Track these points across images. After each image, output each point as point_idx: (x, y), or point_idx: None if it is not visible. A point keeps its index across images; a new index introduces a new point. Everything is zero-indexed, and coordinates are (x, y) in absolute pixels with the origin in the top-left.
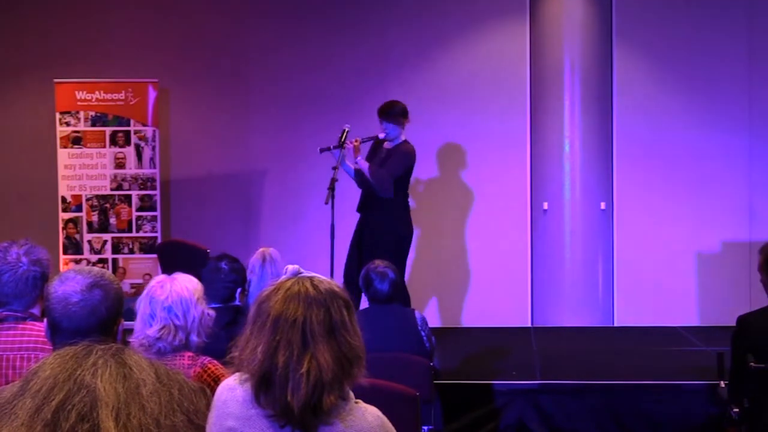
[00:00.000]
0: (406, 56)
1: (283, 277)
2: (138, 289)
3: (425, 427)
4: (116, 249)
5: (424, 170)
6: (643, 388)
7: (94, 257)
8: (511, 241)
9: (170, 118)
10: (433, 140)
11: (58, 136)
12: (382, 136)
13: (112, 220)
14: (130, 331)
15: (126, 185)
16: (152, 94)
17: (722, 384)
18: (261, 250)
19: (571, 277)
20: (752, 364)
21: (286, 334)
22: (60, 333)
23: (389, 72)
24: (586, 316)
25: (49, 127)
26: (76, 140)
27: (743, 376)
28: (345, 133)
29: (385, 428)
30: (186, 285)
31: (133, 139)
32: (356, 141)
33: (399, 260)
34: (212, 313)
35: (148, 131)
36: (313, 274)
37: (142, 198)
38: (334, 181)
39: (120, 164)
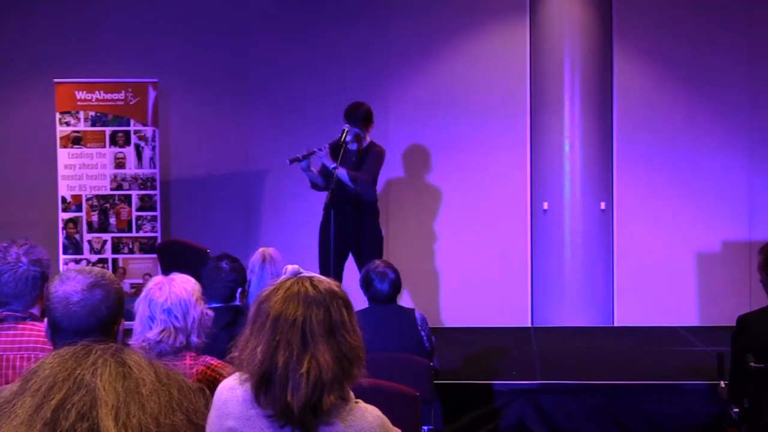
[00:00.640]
0: (406, 56)
1: (283, 277)
2: (138, 288)
3: (425, 427)
4: (116, 249)
5: (424, 170)
6: (643, 388)
7: (94, 257)
8: (511, 241)
9: (170, 118)
10: (433, 140)
11: (58, 136)
12: (348, 138)
13: (112, 220)
14: (130, 331)
15: (126, 185)
16: (152, 94)
17: (722, 384)
18: (261, 250)
19: (571, 277)
20: (752, 364)
21: (285, 334)
22: (60, 333)
23: (389, 72)
24: (586, 316)
25: (49, 127)
26: (76, 140)
27: (743, 376)
28: (345, 133)
29: (385, 428)
30: (184, 286)
31: (133, 139)
32: (331, 144)
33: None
34: (211, 313)
35: (148, 131)
36: (313, 274)
37: (142, 198)
38: (331, 193)
39: (120, 164)
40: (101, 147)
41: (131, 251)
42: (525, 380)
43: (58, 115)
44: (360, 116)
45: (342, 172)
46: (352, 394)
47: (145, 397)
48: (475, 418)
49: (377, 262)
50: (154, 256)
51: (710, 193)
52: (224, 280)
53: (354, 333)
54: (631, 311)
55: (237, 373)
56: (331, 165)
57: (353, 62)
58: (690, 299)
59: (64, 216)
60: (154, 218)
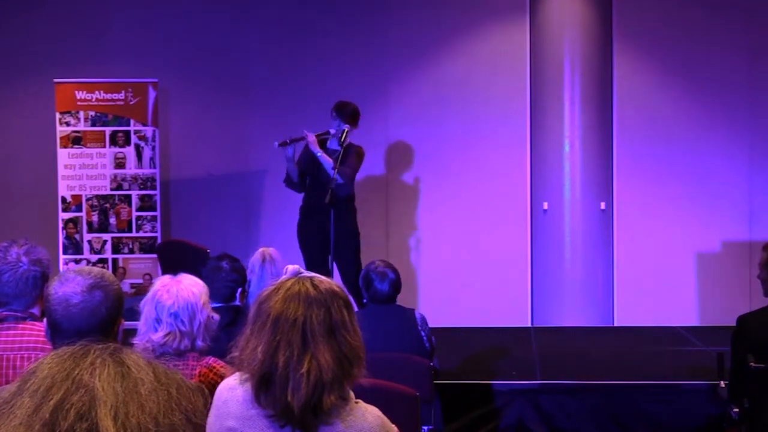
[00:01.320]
0: (406, 56)
1: (283, 277)
2: (138, 288)
3: (425, 427)
4: (116, 249)
5: (424, 170)
6: (643, 388)
7: (94, 257)
8: (511, 241)
9: (170, 118)
10: (433, 140)
11: (58, 136)
12: (333, 131)
13: (112, 220)
14: (130, 331)
15: (126, 185)
16: (152, 94)
17: (722, 384)
18: (261, 250)
19: (571, 277)
20: (752, 364)
21: (286, 334)
22: (60, 334)
23: (389, 72)
24: (586, 316)
25: (49, 127)
26: (76, 140)
27: (743, 376)
28: (345, 133)
29: (386, 428)
30: (192, 289)
31: (133, 139)
32: (317, 135)
33: (358, 257)
34: (217, 317)
35: (148, 131)
36: (313, 274)
37: (142, 198)
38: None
39: (120, 164)
40: (101, 147)
41: (131, 251)
42: (525, 380)
43: (58, 115)
44: (349, 113)
45: (325, 159)
46: (352, 394)
47: (144, 396)
48: (475, 418)
49: (377, 261)
50: (154, 256)
51: (710, 193)
52: (224, 280)
53: (354, 333)
54: (631, 311)
55: (237, 373)
56: (318, 152)
57: (353, 62)
58: (690, 299)
59: (64, 216)
60: (154, 218)
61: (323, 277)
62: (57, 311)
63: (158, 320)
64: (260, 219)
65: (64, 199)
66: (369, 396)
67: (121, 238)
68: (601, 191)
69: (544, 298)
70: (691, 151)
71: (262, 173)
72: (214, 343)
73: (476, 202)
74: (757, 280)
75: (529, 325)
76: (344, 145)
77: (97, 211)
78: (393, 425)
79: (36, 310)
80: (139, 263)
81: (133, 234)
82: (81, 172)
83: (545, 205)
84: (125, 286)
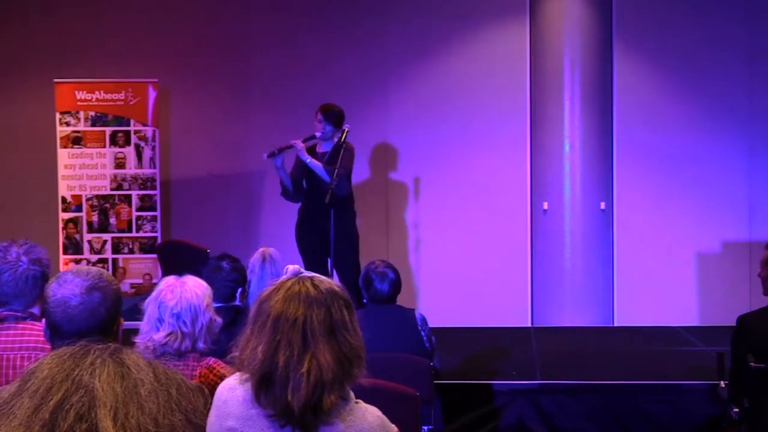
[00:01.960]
0: (405, 57)
1: (284, 277)
2: (138, 288)
3: (425, 427)
4: (116, 249)
5: (424, 170)
6: (643, 388)
7: (94, 257)
8: (511, 241)
9: (170, 118)
10: (433, 140)
11: (58, 136)
12: (319, 135)
13: (112, 220)
14: (130, 331)
15: (126, 185)
16: (152, 94)
17: (722, 384)
18: (261, 250)
19: (571, 277)
20: (752, 364)
21: (286, 334)
22: (60, 336)
23: (389, 72)
24: (586, 316)
25: (49, 127)
26: (76, 140)
27: (743, 376)
28: (345, 133)
29: (386, 428)
30: (196, 290)
31: (133, 139)
32: (303, 140)
33: (357, 258)
34: (219, 320)
35: (148, 131)
36: (314, 274)
37: (142, 198)
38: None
39: (120, 164)
40: (101, 147)
41: (131, 251)
42: (525, 380)
43: (58, 115)
44: (335, 114)
45: (315, 165)
46: (352, 394)
47: (143, 397)
48: (475, 418)
49: (377, 262)
50: (154, 256)
51: (710, 193)
52: (224, 280)
53: (354, 333)
54: (631, 311)
55: (237, 373)
56: (307, 159)
57: (353, 62)
58: (690, 299)
59: (64, 216)
60: (154, 218)
61: (323, 277)
62: (56, 313)
63: (160, 320)
64: (260, 219)
65: (64, 199)
66: (369, 396)
67: (121, 238)
68: (601, 191)
69: (544, 298)
70: (691, 151)
71: (261, 173)
72: (214, 343)
73: (476, 202)
74: (757, 279)
75: (529, 325)
76: (343, 144)
77: (97, 211)
78: (393, 425)
79: (36, 310)
80: (139, 263)
81: (133, 234)
82: (81, 172)
83: (545, 205)
84: (125, 286)
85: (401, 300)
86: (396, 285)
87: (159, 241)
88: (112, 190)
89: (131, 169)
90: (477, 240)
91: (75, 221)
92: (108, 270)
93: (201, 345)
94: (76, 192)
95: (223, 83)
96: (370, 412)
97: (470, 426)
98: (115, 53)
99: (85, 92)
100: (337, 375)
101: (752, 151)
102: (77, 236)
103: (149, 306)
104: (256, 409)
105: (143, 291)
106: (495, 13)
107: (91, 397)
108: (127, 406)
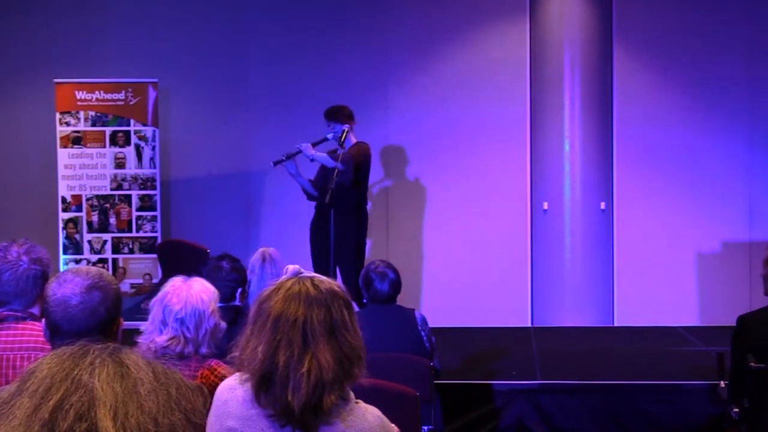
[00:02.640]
0: (406, 56)
1: (284, 277)
2: (138, 288)
3: (425, 427)
4: (116, 249)
5: (424, 170)
6: (643, 388)
7: (94, 257)
8: (511, 241)
9: (170, 118)
10: (434, 140)
11: (58, 136)
12: (330, 136)
13: (112, 220)
14: (131, 331)
15: (126, 185)
16: (152, 94)
17: (722, 384)
18: (261, 250)
19: (571, 277)
20: (752, 364)
21: (286, 334)
22: (60, 335)
23: (389, 72)
24: (586, 316)
25: (49, 127)
26: (76, 140)
27: (743, 376)
28: (345, 133)
29: (386, 428)
30: (202, 295)
31: (133, 139)
32: (313, 144)
33: (360, 258)
34: (224, 325)
35: (148, 131)
36: (314, 274)
37: (142, 198)
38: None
39: (120, 164)
40: (101, 147)
41: (131, 251)
42: (525, 380)
43: (58, 115)
44: (344, 115)
45: (320, 156)
46: (352, 394)
47: (143, 396)
48: (475, 418)
49: (377, 262)
50: (154, 256)
51: (710, 193)
52: (224, 280)
53: (355, 333)
54: (631, 311)
55: (237, 373)
56: (311, 155)
57: (353, 62)
58: (690, 299)
59: (64, 216)
60: (154, 218)
61: (323, 277)
62: (56, 312)
63: (164, 323)
64: (260, 219)
65: (64, 199)
66: (369, 396)
67: (121, 238)
68: (601, 191)
69: (544, 298)
70: (691, 150)
71: (262, 173)
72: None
73: (476, 202)
74: (757, 279)
75: (529, 325)
76: (344, 144)
77: (97, 211)
78: (393, 425)
79: (36, 310)
80: (139, 263)
81: (133, 234)
82: (81, 172)
83: (545, 205)
84: (125, 286)
85: (403, 300)
86: (396, 285)
87: (159, 241)
88: (112, 190)
89: (131, 169)
90: (477, 240)
91: (75, 221)
92: (108, 270)
93: (204, 350)
94: (76, 192)
95: (224, 83)
96: (370, 412)
97: (470, 426)
98: (115, 53)
99: (85, 92)
100: (337, 375)
101: (752, 151)
102: (77, 236)
103: (155, 307)
104: (256, 409)
105: (143, 291)
106: (495, 14)
107: (90, 396)
108: (126, 406)
